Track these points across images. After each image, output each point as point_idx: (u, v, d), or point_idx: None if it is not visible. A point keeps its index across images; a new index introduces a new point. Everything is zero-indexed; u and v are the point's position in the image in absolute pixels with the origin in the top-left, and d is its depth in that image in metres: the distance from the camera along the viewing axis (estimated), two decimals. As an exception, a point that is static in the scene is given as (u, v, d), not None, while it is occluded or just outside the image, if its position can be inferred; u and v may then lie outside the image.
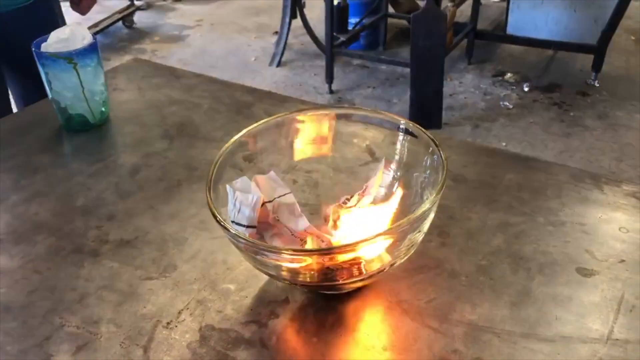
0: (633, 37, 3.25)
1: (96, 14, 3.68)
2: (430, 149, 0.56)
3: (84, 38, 0.84)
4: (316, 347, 0.53)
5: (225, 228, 0.49)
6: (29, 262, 0.64)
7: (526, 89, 2.75)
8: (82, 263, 0.64)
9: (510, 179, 0.76)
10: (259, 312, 0.57)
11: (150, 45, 3.54)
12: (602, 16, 2.59)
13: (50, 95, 0.87)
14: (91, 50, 0.84)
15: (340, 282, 0.51)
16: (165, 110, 0.94)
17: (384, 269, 0.52)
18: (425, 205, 0.49)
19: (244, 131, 0.62)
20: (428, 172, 0.57)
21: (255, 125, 0.62)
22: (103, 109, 0.90)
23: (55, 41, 0.83)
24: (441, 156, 0.54)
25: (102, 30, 3.38)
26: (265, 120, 0.63)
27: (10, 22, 1.26)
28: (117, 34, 3.67)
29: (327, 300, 0.58)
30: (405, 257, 0.54)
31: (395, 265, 0.54)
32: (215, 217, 0.50)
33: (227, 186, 0.56)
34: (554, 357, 0.51)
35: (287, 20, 2.99)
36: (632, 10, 3.31)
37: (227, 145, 0.59)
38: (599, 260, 0.62)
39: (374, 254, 0.50)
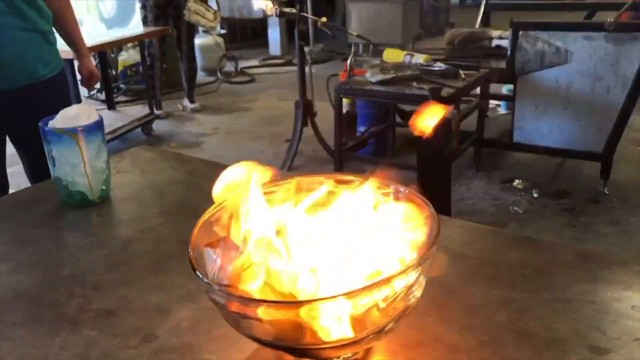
0: (639, 148, 3.29)
1: (116, 122, 3.86)
2: (424, 209, 0.54)
3: (90, 117, 0.87)
4: (300, 422, 0.48)
5: (202, 279, 0.46)
6: (3, 329, 0.61)
7: (535, 195, 2.75)
8: (58, 332, 0.60)
9: (513, 257, 0.73)
10: (240, 384, 0.52)
11: (166, 151, 3.66)
12: (606, 125, 2.65)
13: (52, 172, 0.88)
14: (96, 127, 0.86)
15: (328, 345, 0.47)
16: (165, 190, 0.94)
17: (375, 331, 0.48)
18: (414, 262, 0.46)
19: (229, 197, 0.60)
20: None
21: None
22: (103, 187, 0.91)
23: (62, 118, 0.85)
24: (434, 213, 0.52)
25: (119, 136, 3.52)
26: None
27: (25, 97, 1.34)
28: (135, 140, 3.81)
29: (315, 373, 0.53)
30: (398, 321, 0.50)
31: (386, 329, 0.50)
32: (194, 269, 0.48)
33: (206, 248, 0.54)
34: None
35: (299, 127, 3.10)
36: (636, 123, 3.40)
37: (210, 209, 0.58)
38: (612, 338, 0.57)
39: (359, 310, 0.46)
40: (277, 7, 2.80)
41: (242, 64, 5.74)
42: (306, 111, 3.02)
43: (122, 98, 4.68)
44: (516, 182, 2.88)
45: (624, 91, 2.56)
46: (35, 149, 1.43)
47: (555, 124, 2.77)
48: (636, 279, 0.67)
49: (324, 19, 2.84)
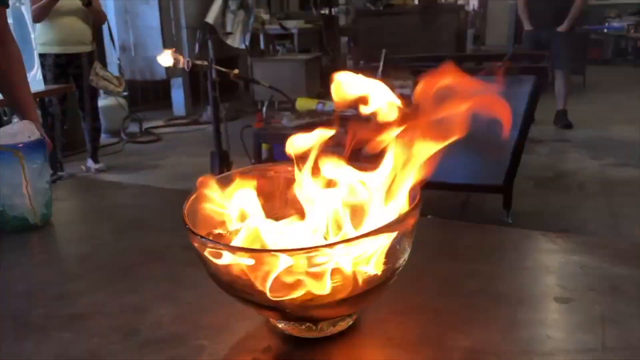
0: (532, 182, 3.61)
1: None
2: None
3: (32, 135, 0.83)
4: (309, 385, 0.48)
5: (196, 235, 0.47)
6: (-39, 342, 0.55)
7: (448, 229, 2.90)
8: (26, 338, 0.56)
9: (468, 240, 0.78)
10: (240, 361, 0.51)
11: (71, 213, 3.45)
12: (503, 160, 2.89)
13: (-13, 197, 0.83)
14: (39, 145, 0.83)
15: (316, 303, 0.48)
16: (112, 212, 0.91)
17: (367, 288, 0.50)
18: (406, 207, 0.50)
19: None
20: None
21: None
22: (45, 211, 0.86)
23: (2, 136, 0.81)
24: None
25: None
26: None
27: None
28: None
29: (312, 344, 0.53)
30: (388, 283, 0.52)
31: (378, 288, 0.52)
32: (191, 231, 0.47)
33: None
34: (559, 367, 0.49)
35: (215, 178, 3.07)
36: (527, 162, 3.73)
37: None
38: (572, 290, 0.63)
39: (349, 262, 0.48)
40: (188, 60, 2.82)
41: (147, 124, 5.64)
42: (222, 161, 3.01)
43: (17, 163, 4.39)
44: (428, 217, 3.02)
45: (516, 128, 2.82)
46: None
47: (459, 161, 2.97)
48: (577, 247, 0.74)
49: (236, 71, 2.90)
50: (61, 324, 0.58)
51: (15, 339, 0.56)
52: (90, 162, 4.24)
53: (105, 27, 4.77)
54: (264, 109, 2.84)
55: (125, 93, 5.20)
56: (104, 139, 4.81)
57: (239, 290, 0.49)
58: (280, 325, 0.55)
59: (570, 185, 3.58)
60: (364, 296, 0.51)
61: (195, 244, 0.49)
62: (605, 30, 10.42)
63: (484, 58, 3.89)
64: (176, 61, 2.81)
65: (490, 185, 2.96)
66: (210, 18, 6.08)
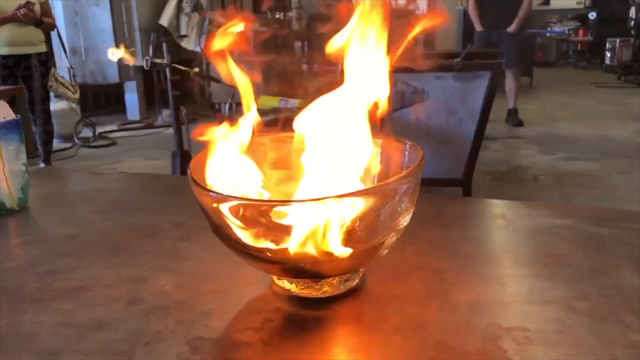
0: (488, 177, 3.72)
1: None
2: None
3: (6, 115, 0.80)
4: (329, 334, 0.49)
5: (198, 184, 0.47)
6: (-47, 317, 0.53)
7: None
8: (24, 309, 0.54)
9: (454, 210, 0.80)
10: (251, 320, 0.51)
11: None
12: (462, 153, 2.96)
13: (-40, 181, 0.79)
14: (15, 126, 0.80)
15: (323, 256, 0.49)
16: (92, 195, 0.89)
17: (374, 243, 0.51)
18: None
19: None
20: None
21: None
22: (21, 195, 0.83)
23: (-24, 116, 0.78)
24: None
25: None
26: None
27: None
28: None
29: (320, 304, 0.54)
30: (390, 240, 0.53)
31: (383, 247, 0.53)
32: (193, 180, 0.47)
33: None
34: (563, 310, 0.51)
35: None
36: (483, 158, 3.84)
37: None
38: (561, 248, 0.66)
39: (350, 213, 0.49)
40: (147, 58, 2.78)
41: (100, 129, 5.49)
42: (184, 161, 2.96)
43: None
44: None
45: (474, 123, 2.90)
46: None
47: (420, 157, 3.03)
48: (558, 213, 0.77)
49: (196, 69, 2.87)
50: (59, 296, 0.56)
51: (12, 312, 0.53)
52: (42, 167, 4.09)
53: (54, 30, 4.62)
54: (226, 107, 2.82)
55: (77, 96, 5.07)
56: (55, 143, 4.66)
57: (247, 246, 0.49)
58: (286, 287, 0.55)
59: (525, 179, 3.71)
60: (372, 251, 0.52)
61: (199, 196, 0.49)
62: (549, 34, 10.86)
63: (439, 56, 3.98)
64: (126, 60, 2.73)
65: (450, 180, 3.03)
66: (164, 20, 5.99)
